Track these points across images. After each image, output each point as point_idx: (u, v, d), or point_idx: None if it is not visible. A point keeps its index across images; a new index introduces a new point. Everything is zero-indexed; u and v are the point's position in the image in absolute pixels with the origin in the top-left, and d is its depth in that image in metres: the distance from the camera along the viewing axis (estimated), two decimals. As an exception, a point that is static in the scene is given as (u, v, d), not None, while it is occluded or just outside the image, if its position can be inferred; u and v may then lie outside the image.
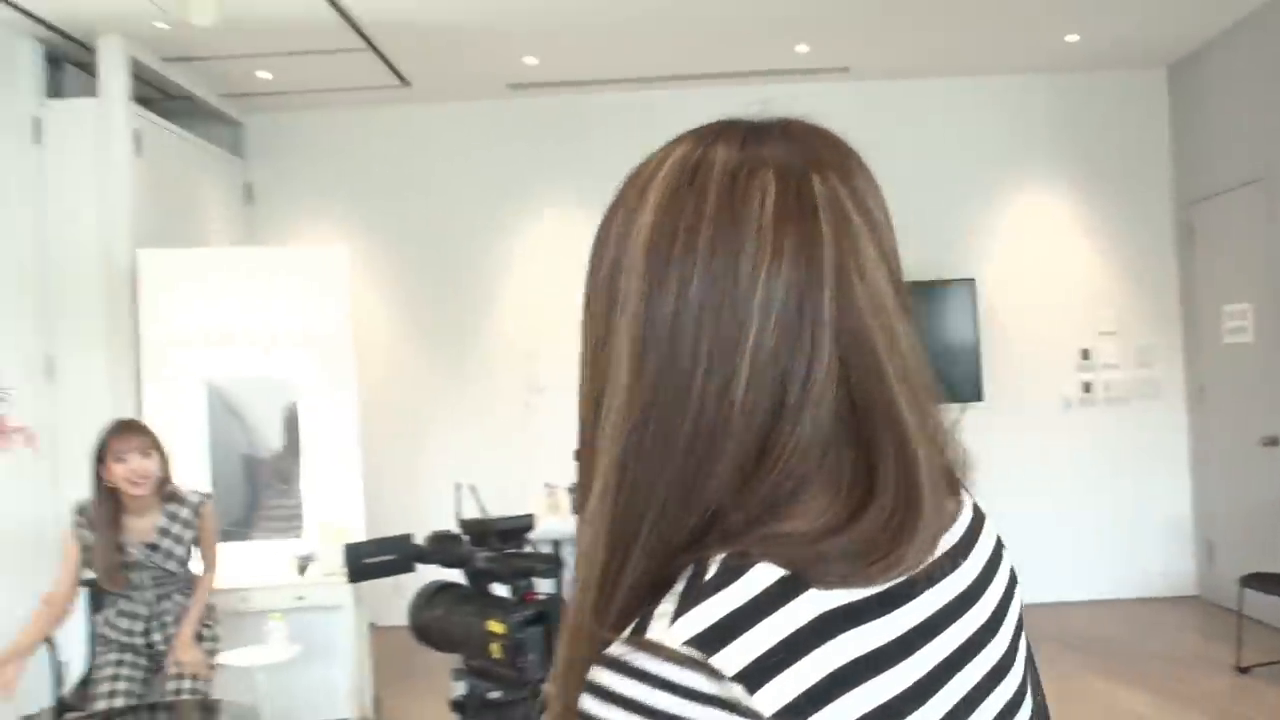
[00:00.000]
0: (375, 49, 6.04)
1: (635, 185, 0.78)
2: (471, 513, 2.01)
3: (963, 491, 0.89)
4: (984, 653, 0.81)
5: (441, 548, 1.98)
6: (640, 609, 0.70)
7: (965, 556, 0.83)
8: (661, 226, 0.74)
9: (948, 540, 0.80)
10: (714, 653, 0.66)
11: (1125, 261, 7.35)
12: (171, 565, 3.82)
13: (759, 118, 0.80)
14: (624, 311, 0.75)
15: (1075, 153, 7.34)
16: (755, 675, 0.65)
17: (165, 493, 3.84)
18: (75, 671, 4.20)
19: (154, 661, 3.89)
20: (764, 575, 0.69)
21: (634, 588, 0.73)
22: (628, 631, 0.69)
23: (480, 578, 1.91)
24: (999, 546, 0.91)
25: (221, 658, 4.05)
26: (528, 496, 7.12)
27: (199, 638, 3.83)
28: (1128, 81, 7.32)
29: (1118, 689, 5.47)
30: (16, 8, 5.19)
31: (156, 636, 3.83)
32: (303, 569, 5.01)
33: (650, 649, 0.67)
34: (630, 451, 0.74)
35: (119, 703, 3.72)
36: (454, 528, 2.03)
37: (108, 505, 3.74)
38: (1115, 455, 7.28)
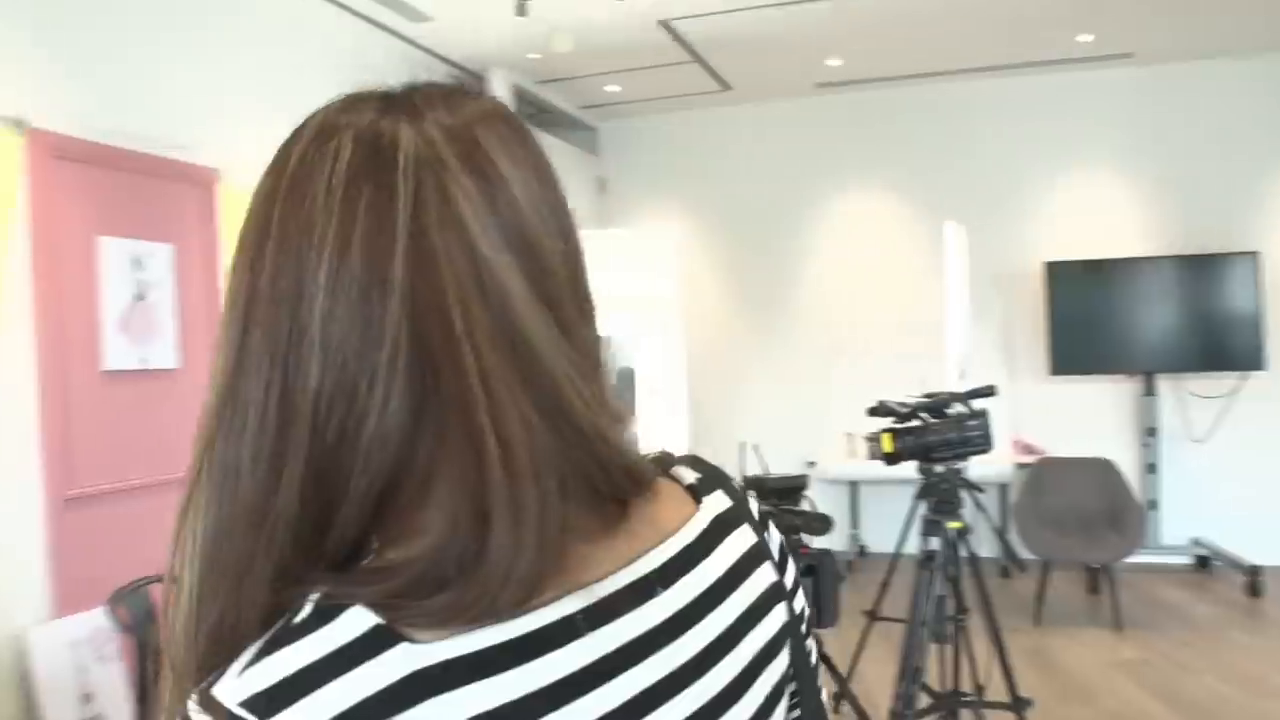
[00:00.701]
0: (701, 60, 6.24)
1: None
2: (755, 470, 1.99)
3: (692, 504, 0.69)
4: (692, 689, 0.61)
5: None
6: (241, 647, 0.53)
7: (670, 583, 0.63)
8: (251, 213, 0.59)
9: (638, 569, 0.61)
10: (272, 714, 0.49)
11: None
12: None
13: (396, 85, 0.62)
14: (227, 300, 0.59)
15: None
16: None
17: None
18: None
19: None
20: (353, 623, 0.52)
21: (224, 621, 0.55)
22: (212, 678, 0.52)
23: None
24: (751, 559, 0.70)
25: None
26: (828, 442, 7.14)
27: None
28: None
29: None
30: (432, 53, 6.10)
31: None
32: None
33: (208, 705, 0.51)
34: (204, 455, 0.57)
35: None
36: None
37: None
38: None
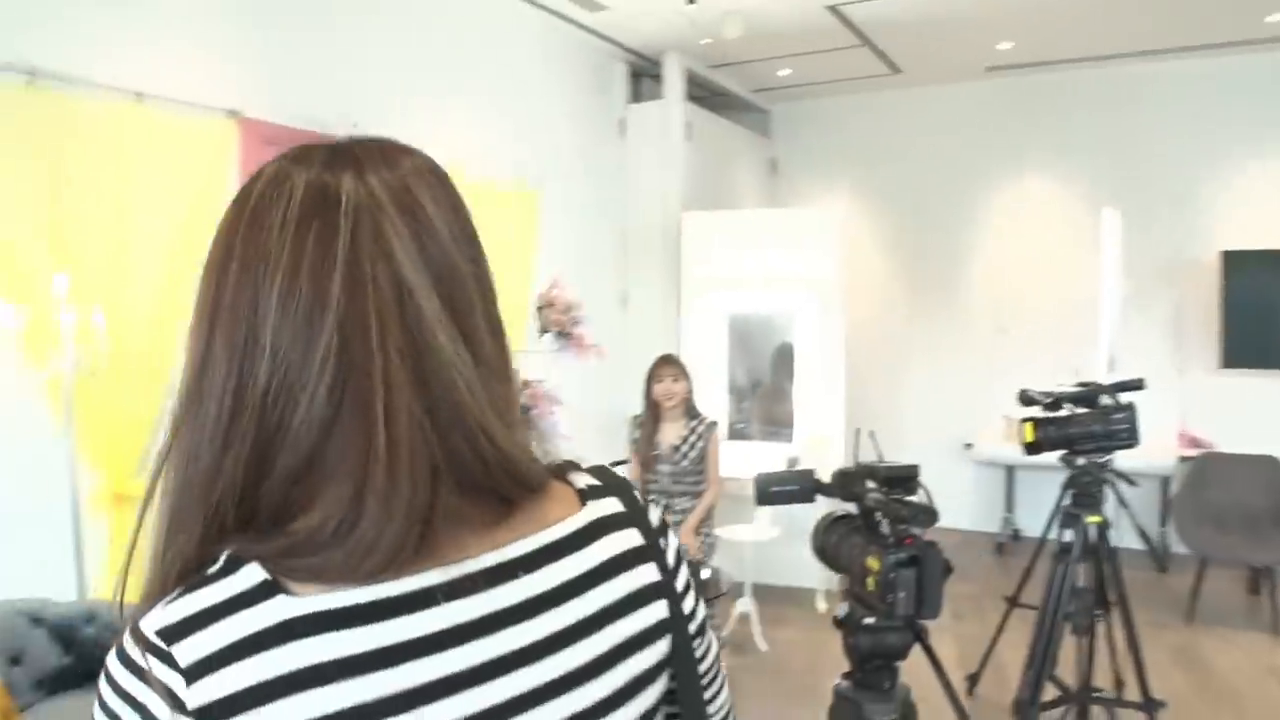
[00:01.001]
0: (870, 44, 6.01)
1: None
2: (869, 457, 1.81)
3: (578, 505, 0.73)
4: (544, 663, 0.66)
5: (842, 482, 1.84)
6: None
7: (533, 569, 0.68)
8: (217, 238, 0.66)
9: (506, 553, 0.67)
10: (174, 643, 0.60)
11: None
12: (685, 464, 4.16)
13: (341, 139, 0.73)
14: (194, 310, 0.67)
15: None
16: (196, 670, 0.59)
17: (689, 411, 4.25)
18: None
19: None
20: (248, 576, 0.62)
21: (172, 569, 0.64)
22: (141, 611, 0.63)
23: (868, 515, 1.76)
24: (631, 558, 0.73)
25: (718, 531, 4.24)
26: (986, 425, 6.72)
27: (696, 532, 4.10)
28: None
29: None
30: (609, 40, 6.04)
31: (671, 519, 4.07)
32: (791, 465, 5.05)
33: (135, 634, 0.62)
34: (172, 438, 0.66)
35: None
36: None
37: (651, 412, 4.29)
38: None
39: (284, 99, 4.20)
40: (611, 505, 0.75)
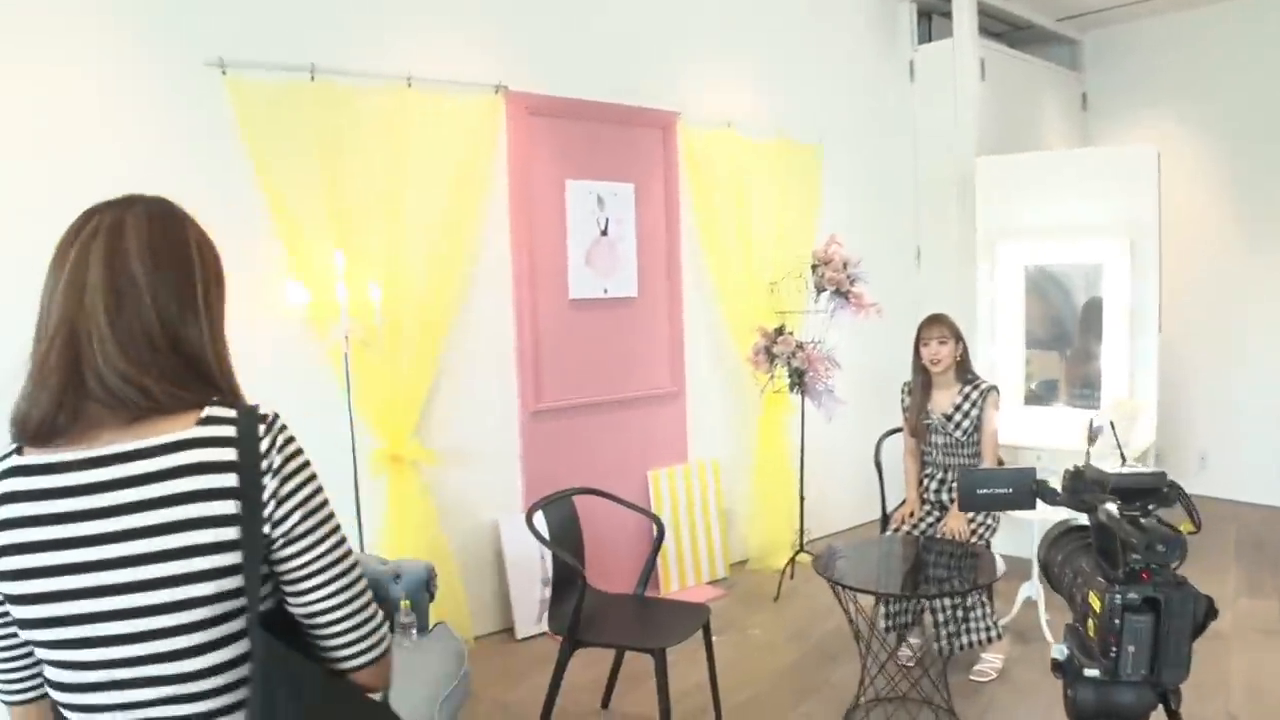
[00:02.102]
0: None
1: None
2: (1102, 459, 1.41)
3: (191, 425, 1.04)
4: (103, 522, 1.01)
5: (1073, 486, 1.46)
6: None
7: (110, 464, 1.02)
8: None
9: (116, 447, 1.03)
10: None
11: None
12: (958, 434, 3.82)
13: (124, 196, 1.12)
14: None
15: None
16: None
17: (963, 375, 3.87)
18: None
19: (941, 510, 3.84)
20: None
21: None
22: None
23: (1100, 534, 1.36)
24: (210, 468, 1.02)
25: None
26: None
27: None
28: None
29: None
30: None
31: (945, 496, 3.66)
32: (1092, 440, 4.40)
33: None
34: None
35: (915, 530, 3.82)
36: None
37: (920, 378, 3.95)
38: None
39: (548, 72, 4.25)
40: (221, 430, 1.04)
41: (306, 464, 1.07)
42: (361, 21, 3.72)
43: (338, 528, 1.09)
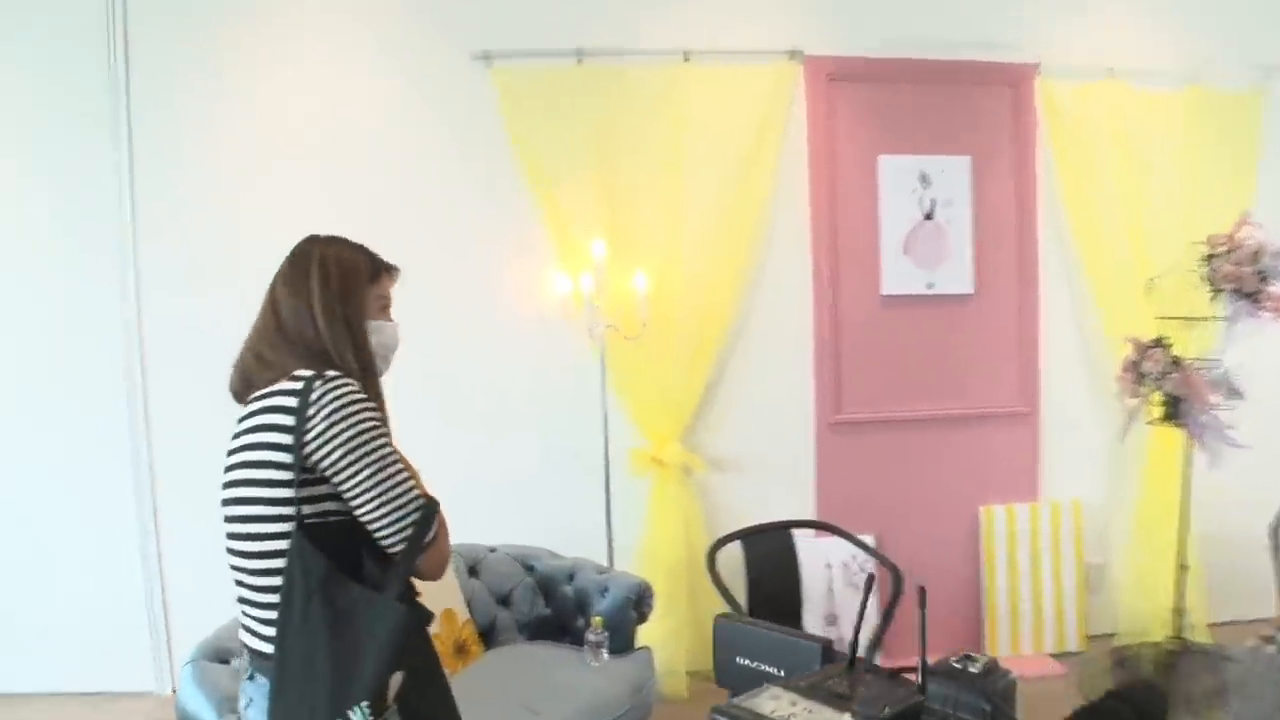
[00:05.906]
0: None
1: None
2: None
3: (292, 383, 1.36)
4: (236, 450, 1.40)
5: None
6: None
7: (255, 402, 1.40)
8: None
9: (255, 393, 1.41)
10: None
11: None
12: None
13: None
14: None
15: None
16: None
17: None
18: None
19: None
20: None
21: None
22: None
23: None
24: (274, 410, 1.35)
25: None
26: None
27: None
28: None
29: None
30: None
31: None
32: None
33: None
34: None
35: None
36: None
37: None
38: None
39: (853, 29, 3.56)
40: (293, 385, 1.35)
41: (342, 412, 1.32)
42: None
43: (371, 450, 1.34)
